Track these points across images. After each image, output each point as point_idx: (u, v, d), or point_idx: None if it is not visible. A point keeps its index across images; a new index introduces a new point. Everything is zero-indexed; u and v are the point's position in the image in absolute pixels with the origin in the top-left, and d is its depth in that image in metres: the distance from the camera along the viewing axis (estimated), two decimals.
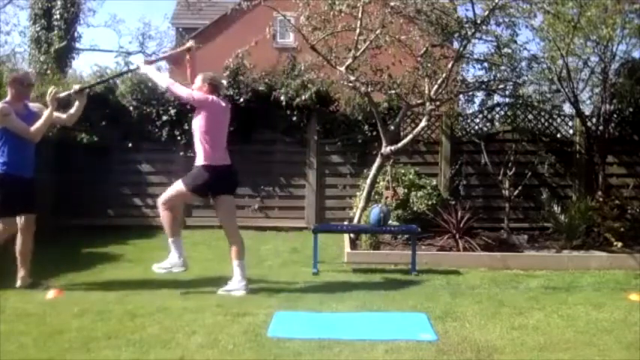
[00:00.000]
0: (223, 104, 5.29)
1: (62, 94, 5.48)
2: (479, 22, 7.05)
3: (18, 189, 5.08)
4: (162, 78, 5.41)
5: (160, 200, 5.14)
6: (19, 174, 5.11)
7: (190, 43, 5.67)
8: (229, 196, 5.27)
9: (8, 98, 5.21)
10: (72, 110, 5.54)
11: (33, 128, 5.15)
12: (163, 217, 5.13)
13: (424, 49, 7.36)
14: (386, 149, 7.54)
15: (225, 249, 7.55)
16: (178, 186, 5.10)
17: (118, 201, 9.19)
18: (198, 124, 5.10)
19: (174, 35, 21.61)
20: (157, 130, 9.02)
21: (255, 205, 9.16)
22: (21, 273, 5.24)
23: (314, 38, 7.18)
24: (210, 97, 5.12)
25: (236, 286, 5.10)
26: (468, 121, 9.06)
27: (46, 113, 5.28)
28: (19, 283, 5.22)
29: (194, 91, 5.15)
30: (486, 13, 6.99)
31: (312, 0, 7.15)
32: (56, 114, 5.43)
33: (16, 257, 5.27)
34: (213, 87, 5.21)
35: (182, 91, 5.14)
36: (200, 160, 5.06)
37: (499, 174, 8.00)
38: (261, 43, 7.74)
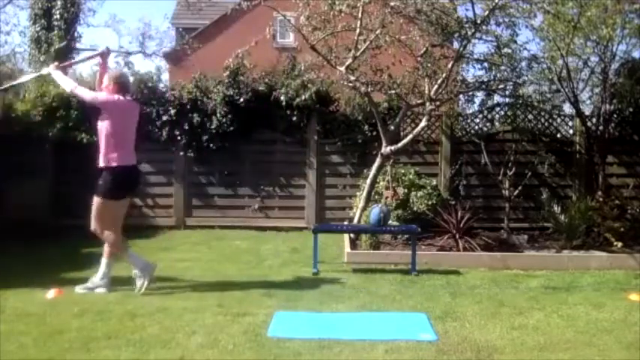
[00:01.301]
0: (129, 104, 5.26)
1: None
2: (479, 22, 7.05)
3: None
4: (67, 82, 5.29)
5: (92, 227, 5.06)
6: None
7: (104, 49, 5.61)
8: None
9: None
10: None
11: None
12: (107, 238, 5.05)
13: (424, 49, 7.36)
14: (386, 149, 7.54)
15: (225, 249, 7.60)
16: (95, 202, 5.03)
17: None
18: (103, 125, 5.03)
19: (174, 35, 21.58)
20: (157, 130, 9.03)
21: (255, 205, 9.16)
22: None
23: (314, 38, 7.18)
24: (115, 96, 5.08)
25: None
26: (468, 121, 9.06)
27: None
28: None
29: (99, 92, 5.13)
30: (486, 13, 7.00)
31: (312, 0, 7.15)
32: None
33: None
34: (120, 86, 5.16)
35: (86, 93, 5.13)
36: (105, 163, 5.00)
37: (499, 174, 8.00)
38: (261, 43, 7.75)
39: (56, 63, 5.64)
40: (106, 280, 5.12)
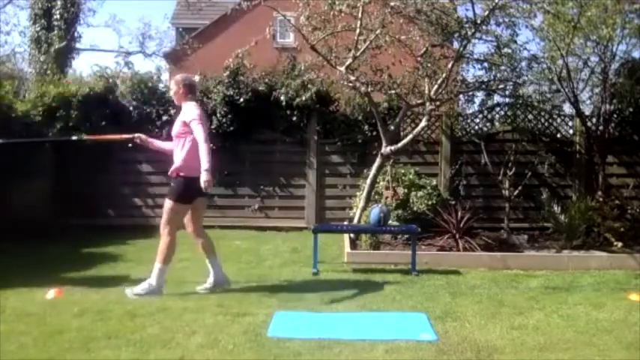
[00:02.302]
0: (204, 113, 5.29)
1: None
2: (479, 22, 7.05)
3: None
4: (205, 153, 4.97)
5: (162, 228, 5.06)
6: None
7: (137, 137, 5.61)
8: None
9: None
10: None
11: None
12: (163, 241, 5.03)
13: (424, 49, 7.36)
14: (386, 149, 7.54)
15: (225, 249, 7.59)
16: (168, 205, 5.05)
17: (118, 201, 9.19)
18: (188, 136, 5.04)
19: (174, 35, 21.59)
20: (157, 130, 9.02)
21: (255, 205, 9.16)
22: None
23: (314, 38, 7.18)
24: (198, 108, 5.12)
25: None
26: (468, 121, 9.06)
27: None
28: None
29: (194, 113, 5.04)
30: (486, 13, 7.00)
31: (312, 0, 7.15)
32: None
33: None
34: (189, 87, 5.21)
35: (200, 129, 4.98)
36: (186, 171, 5.03)
37: (499, 174, 8.00)
38: (261, 43, 7.75)
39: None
40: (159, 287, 5.04)
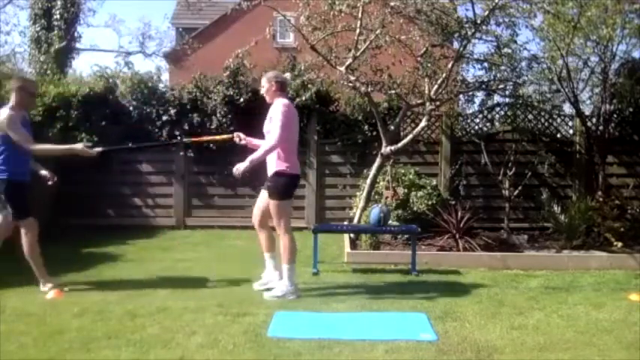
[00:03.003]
0: (295, 110, 5.27)
1: (91, 151, 5.38)
2: (479, 22, 7.05)
3: (20, 193, 5.10)
4: (263, 150, 5.08)
5: (279, 231, 5.08)
6: (21, 179, 5.13)
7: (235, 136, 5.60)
8: None
9: (12, 104, 5.13)
10: (53, 146, 5.56)
11: (38, 146, 5.15)
12: (285, 241, 5.03)
13: (424, 49, 7.35)
14: (386, 149, 7.54)
15: (225, 249, 7.60)
16: (274, 206, 5.03)
17: (118, 201, 9.20)
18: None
19: (174, 35, 21.60)
20: (157, 130, 9.03)
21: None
22: (42, 279, 5.22)
23: (314, 38, 7.17)
24: (287, 102, 5.12)
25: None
26: (468, 121, 9.06)
27: (58, 147, 5.47)
28: (45, 289, 5.17)
29: (280, 112, 4.99)
30: (486, 13, 6.99)
31: (312, 0, 7.15)
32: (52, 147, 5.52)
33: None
34: (281, 84, 5.18)
35: (275, 129, 4.98)
36: (281, 168, 5.02)
37: (499, 174, 8.00)
38: (261, 43, 7.74)
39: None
40: (294, 287, 5.03)
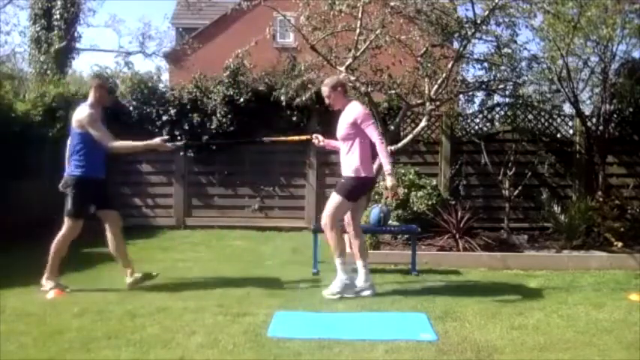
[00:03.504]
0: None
1: (168, 146, 5.45)
2: (479, 22, 7.05)
3: (93, 190, 5.18)
4: (384, 155, 4.96)
5: (323, 222, 5.08)
6: (96, 176, 5.22)
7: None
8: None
9: (91, 101, 5.20)
10: (132, 143, 5.48)
11: (116, 144, 5.18)
12: (331, 236, 5.04)
13: (424, 49, 7.35)
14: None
15: (225, 249, 7.60)
16: (335, 200, 5.02)
17: (118, 201, 9.14)
18: (357, 138, 4.98)
19: (174, 35, 21.60)
20: (157, 130, 9.02)
21: (255, 205, 9.17)
22: (128, 270, 5.30)
23: (314, 38, 7.17)
24: (366, 108, 5.13)
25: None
26: (468, 121, 9.06)
27: (138, 144, 5.45)
28: (130, 280, 5.26)
29: (365, 117, 4.97)
30: (486, 13, 6.99)
31: (312, 0, 7.15)
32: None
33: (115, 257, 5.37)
34: (345, 87, 5.19)
35: (375, 130, 4.97)
36: (356, 173, 4.99)
37: (499, 174, 8.00)
38: (261, 43, 7.74)
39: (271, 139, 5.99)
40: (370, 282, 5.06)
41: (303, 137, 5.75)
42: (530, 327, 4.21)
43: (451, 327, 4.18)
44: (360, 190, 5.07)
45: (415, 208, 7.60)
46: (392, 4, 7.07)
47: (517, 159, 8.10)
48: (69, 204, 5.11)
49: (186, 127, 8.97)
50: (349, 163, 5.02)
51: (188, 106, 9.03)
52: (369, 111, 5.10)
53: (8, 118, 8.44)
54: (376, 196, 7.69)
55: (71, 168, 5.15)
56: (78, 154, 5.10)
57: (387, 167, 4.90)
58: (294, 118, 8.88)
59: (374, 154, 5.09)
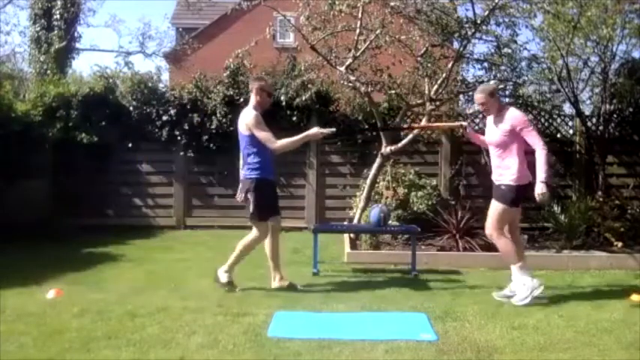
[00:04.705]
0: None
1: (325, 131, 5.41)
2: (479, 22, 7.05)
3: (270, 192, 5.23)
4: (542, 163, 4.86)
5: (488, 232, 5.02)
6: (271, 178, 5.26)
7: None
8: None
9: (254, 104, 5.25)
10: (292, 139, 5.39)
11: (279, 144, 5.20)
12: (500, 245, 5.00)
13: (424, 49, 7.35)
14: (386, 149, 7.54)
15: (225, 249, 7.57)
16: (497, 209, 4.96)
17: (118, 201, 9.20)
18: (514, 144, 4.93)
19: (175, 35, 21.59)
20: (157, 130, 9.04)
21: None
22: (277, 275, 5.29)
23: (314, 38, 7.17)
24: (517, 111, 5.06)
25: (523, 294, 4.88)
26: (468, 121, 9.04)
27: (296, 139, 5.37)
28: (276, 284, 5.26)
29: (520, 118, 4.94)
30: (486, 13, 6.99)
31: (312, 0, 7.15)
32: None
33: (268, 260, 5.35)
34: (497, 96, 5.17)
35: (536, 136, 4.89)
36: (517, 181, 4.92)
37: None
38: (261, 43, 7.74)
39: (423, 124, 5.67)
40: (534, 282, 4.91)
41: (453, 125, 5.66)
42: (530, 327, 4.21)
43: (451, 327, 4.18)
44: (521, 195, 5.02)
45: (415, 208, 7.60)
46: (392, 4, 7.07)
47: None
48: (251, 208, 5.14)
49: (186, 127, 8.97)
50: (507, 170, 4.95)
51: (188, 106, 9.03)
52: (527, 116, 5.02)
53: (8, 118, 8.45)
54: (376, 196, 7.70)
55: (247, 171, 5.20)
56: (250, 157, 5.16)
57: (542, 176, 4.80)
58: (294, 118, 8.87)
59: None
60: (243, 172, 5.26)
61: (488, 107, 5.08)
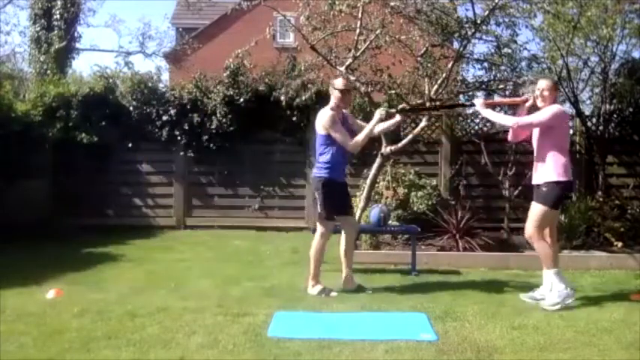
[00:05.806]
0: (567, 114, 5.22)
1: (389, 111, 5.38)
2: (479, 22, 7.04)
3: (338, 193, 5.22)
4: (503, 119, 5.30)
5: (528, 234, 5.01)
6: (340, 179, 5.27)
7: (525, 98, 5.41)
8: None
9: (333, 105, 5.28)
10: (363, 135, 5.28)
11: (353, 142, 5.19)
12: (539, 248, 4.99)
13: (424, 49, 7.34)
14: (386, 149, 7.53)
15: (225, 249, 7.60)
16: (538, 210, 4.93)
17: (118, 201, 9.20)
18: (550, 139, 4.94)
19: (175, 35, 21.59)
20: (157, 130, 9.04)
21: (255, 205, 9.16)
22: (345, 273, 5.29)
23: (314, 38, 7.17)
24: (559, 108, 5.05)
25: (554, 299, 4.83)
26: (468, 121, 9.05)
27: (366, 130, 5.30)
28: (343, 284, 5.26)
29: (540, 115, 4.97)
30: (486, 13, 6.98)
31: (312, 0, 7.15)
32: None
33: (340, 258, 5.34)
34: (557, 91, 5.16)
35: (529, 120, 5.02)
36: (553, 177, 4.89)
37: (499, 174, 8.00)
38: (261, 43, 7.73)
39: (482, 100, 5.59)
40: (568, 290, 4.85)
41: (518, 99, 5.53)
42: (530, 327, 4.21)
43: (451, 327, 4.18)
44: (563, 195, 5.04)
45: (415, 208, 7.60)
46: (392, 4, 7.07)
47: (517, 159, 8.09)
48: (318, 206, 5.16)
49: (186, 127, 8.97)
50: (547, 169, 4.93)
51: (188, 106, 9.03)
52: (560, 114, 4.97)
53: (8, 118, 8.45)
54: (376, 196, 7.70)
55: (316, 170, 5.24)
56: (322, 155, 5.18)
57: (490, 112, 5.13)
58: (294, 118, 8.88)
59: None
60: (314, 171, 5.33)
61: (546, 97, 5.01)
